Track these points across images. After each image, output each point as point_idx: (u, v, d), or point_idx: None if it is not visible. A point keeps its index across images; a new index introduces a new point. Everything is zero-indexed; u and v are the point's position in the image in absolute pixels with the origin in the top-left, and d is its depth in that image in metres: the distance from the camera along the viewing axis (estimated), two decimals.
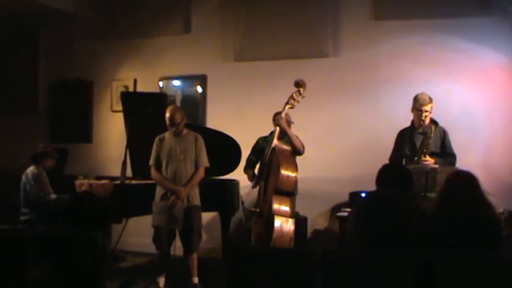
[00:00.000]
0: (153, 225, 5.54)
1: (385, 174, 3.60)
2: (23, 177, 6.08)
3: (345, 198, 6.79)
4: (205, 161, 5.66)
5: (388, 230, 3.22)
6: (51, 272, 3.39)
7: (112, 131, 8.12)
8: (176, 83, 7.98)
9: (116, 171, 6.62)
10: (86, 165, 7.95)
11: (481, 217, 3.21)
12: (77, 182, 5.90)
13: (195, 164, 5.61)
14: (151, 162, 5.64)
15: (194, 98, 7.84)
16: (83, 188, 5.81)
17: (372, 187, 6.39)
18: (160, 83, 7.97)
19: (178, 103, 7.78)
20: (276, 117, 5.95)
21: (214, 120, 7.60)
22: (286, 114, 5.93)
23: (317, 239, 6.99)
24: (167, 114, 5.49)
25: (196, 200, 5.64)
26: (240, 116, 7.49)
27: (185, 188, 5.48)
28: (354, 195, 6.67)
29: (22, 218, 5.92)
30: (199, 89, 7.80)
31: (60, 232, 3.63)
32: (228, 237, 6.58)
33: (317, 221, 7.11)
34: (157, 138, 5.65)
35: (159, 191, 5.58)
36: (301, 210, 6.53)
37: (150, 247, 5.87)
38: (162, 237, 5.55)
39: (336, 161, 7.04)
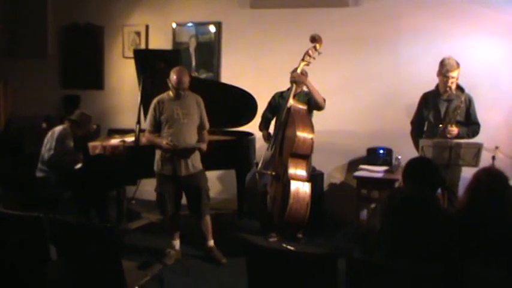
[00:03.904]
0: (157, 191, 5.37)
1: (413, 171, 3.35)
2: (49, 133, 5.89)
3: (363, 153, 6.76)
4: (208, 124, 5.42)
5: (414, 233, 3.06)
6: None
7: (124, 77, 7.90)
8: (190, 29, 7.66)
9: (129, 120, 6.53)
10: (99, 113, 7.77)
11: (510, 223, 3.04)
12: (90, 145, 5.77)
13: (199, 128, 5.33)
14: (148, 127, 5.29)
15: (208, 46, 7.54)
16: (97, 151, 5.70)
17: (389, 142, 6.44)
18: (174, 25, 7.67)
19: (192, 51, 7.55)
20: (293, 74, 5.77)
21: (229, 69, 7.43)
22: (302, 70, 5.75)
23: (333, 194, 6.92)
24: (174, 77, 5.08)
25: (198, 164, 5.35)
26: (256, 65, 7.26)
27: (203, 144, 5.33)
28: (372, 151, 6.62)
29: (38, 174, 5.82)
30: (212, 29, 7.45)
31: (72, 221, 3.52)
32: (244, 193, 6.49)
33: (333, 175, 7.03)
34: (155, 100, 5.24)
35: (159, 159, 5.30)
36: (317, 164, 6.48)
37: None
38: (165, 199, 5.32)
39: (353, 115, 6.86)
